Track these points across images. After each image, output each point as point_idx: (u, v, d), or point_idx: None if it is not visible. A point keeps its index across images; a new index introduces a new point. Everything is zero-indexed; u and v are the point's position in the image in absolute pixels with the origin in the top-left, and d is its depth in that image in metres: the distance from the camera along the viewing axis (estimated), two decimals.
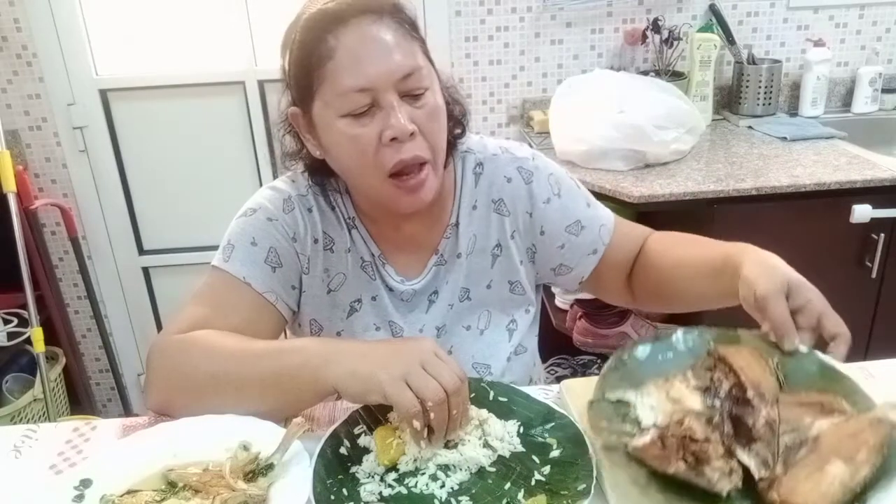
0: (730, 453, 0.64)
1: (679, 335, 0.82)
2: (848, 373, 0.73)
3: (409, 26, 0.87)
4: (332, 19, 0.83)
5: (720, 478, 0.62)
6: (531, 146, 1.14)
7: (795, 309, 0.77)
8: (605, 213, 1.05)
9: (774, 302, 0.76)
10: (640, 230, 1.06)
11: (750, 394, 0.68)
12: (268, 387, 0.79)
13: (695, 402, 0.70)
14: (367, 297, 0.99)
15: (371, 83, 0.82)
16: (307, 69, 0.84)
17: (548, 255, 1.03)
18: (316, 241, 0.97)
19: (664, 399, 0.71)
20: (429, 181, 0.88)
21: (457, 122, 0.97)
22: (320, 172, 0.96)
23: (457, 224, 0.99)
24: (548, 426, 0.78)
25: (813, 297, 0.78)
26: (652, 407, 0.71)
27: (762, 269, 0.81)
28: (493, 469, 0.74)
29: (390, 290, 1.00)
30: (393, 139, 0.83)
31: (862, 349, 1.85)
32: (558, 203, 1.00)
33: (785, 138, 2.01)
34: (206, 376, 0.82)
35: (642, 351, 0.80)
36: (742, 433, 0.66)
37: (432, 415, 0.71)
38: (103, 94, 2.18)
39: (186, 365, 0.83)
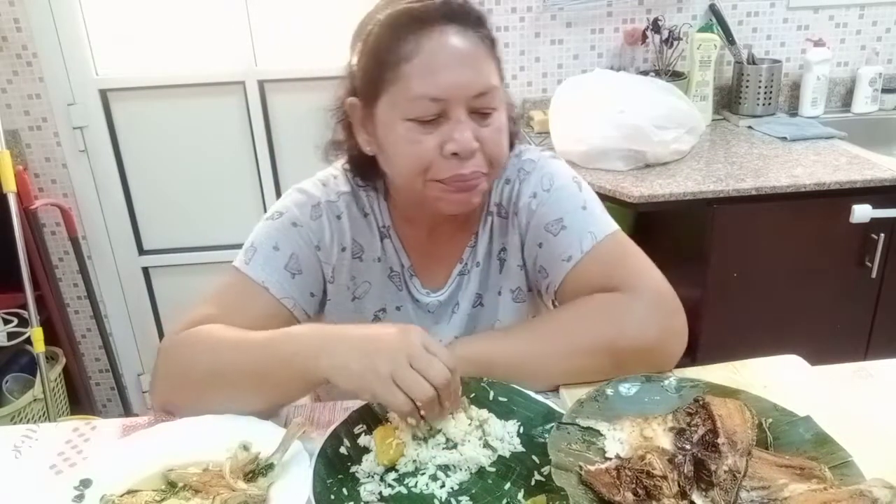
0: (684, 494, 0.64)
1: (673, 381, 0.81)
2: (846, 446, 0.69)
3: (490, 43, 0.86)
4: (416, 22, 0.81)
5: None
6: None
7: None
8: (601, 223, 0.93)
9: None
10: (631, 268, 0.90)
11: (720, 440, 0.67)
12: (260, 379, 0.78)
13: (665, 442, 0.70)
14: (392, 306, 0.99)
15: (444, 94, 0.81)
16: (380, 66, 0.83)
17: (531, 255, 0.97)
18: (343, 249, 0.95)
19: (637, 435, 0.71)
20: (479, 188, 0.87)
21: (510, 143, 0.96)
22: (362, 168, 0.94)
23: (477, 232, 0.99)
24: (548, 426, 0.78)
25: None
26: (621, 441, 0.70)
27: None
28: (493, 469, 0.74)
29: (416, 301, 1.00)
30: (454, 154, 0.82)
31: (862, 349, 1.86)
32: (544, 198, 0.94)
33: (785, 138, 2.01)
34: (203, 372, 0.81)
35: (628, 389, 0.79)
36: (702, 477, 0.65)
37: (423, 411, 0.71)
38: (103, 94, 2.18)
39: (187, 360, 0.82)
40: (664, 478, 0.64)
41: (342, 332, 0.77)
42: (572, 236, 0.91)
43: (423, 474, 0.73)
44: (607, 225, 0.93)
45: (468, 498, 0.71)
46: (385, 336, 0.73)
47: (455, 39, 0.81)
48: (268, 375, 0.78)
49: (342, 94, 0.91)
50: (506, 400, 0.83)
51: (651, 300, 0.87)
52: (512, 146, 0.97)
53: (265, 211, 2.06)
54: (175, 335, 0.85)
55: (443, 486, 0.72)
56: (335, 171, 0.98)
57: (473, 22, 0.84)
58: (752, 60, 2.19)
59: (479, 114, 0.84)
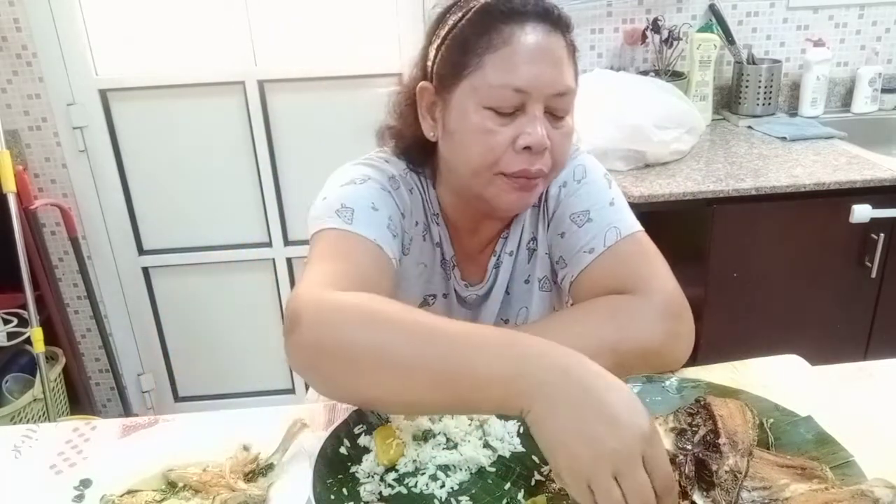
0: (685, 494, 0.64)
1: (674, 381, 0.81)
2: (847, 446, 0.69)
3: (573, 50, 0.87)
4: (513, 13, 0.83)
5: None
6: None
7: None
8: (626, 221, 0.93)
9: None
10: (643, 272, 0.89)
11: (721, 441, 0.67)
12: (441, 382, 0.62)
13: (666, 442, 0.69)
14: (441, 293, 0.99)
15: (527, 86, 0.81)
16: (467, 51, 0.83)
17: (552, 244, 0.98)
18: (417, 223, 0.94)
19: None
20: (538, 188, 0.88)
21: None
22: (415, 156, 0.94)
23: (510, 224, 1.00)
24: None
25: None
26: None
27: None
28: (493, 469, 0.74)
29: (456, 293, 1.01)
30: (525, 148, 0.82)
31: (862, 349, 1.86)
32: (574, 188, 0.95)
33: (784, 138, 2.01)
34: (365, 349, 0.64)
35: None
36: (704, 477, 0.65)
37: None
38: (103, 94, 2.17)
39: (345, 332, 0.66)
40: None
41: (560, 375, 0.58)
42: (597, 229, 0.92)
43: (423, 474, 0.73)
44: (632, 224, 0.93)
45: (468, 498, 0.71)
46: (611, 427, 0.54)
47: (545, 38, 0.83)
48: (450, 385, 0.61)
49: (409, 80, 0.92)
50: None
51: (659, 303, 0.86)
52: None
53: (265, 211, 2.07)
54: (325, 295, 0.70)
55: (443, 486, 0.72)
56: (385, 154, 0.97)
57: (563, 26, 0.86)
58: (752, 60, 2.19)
59: (554, 116, 0.85)
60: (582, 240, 0.93)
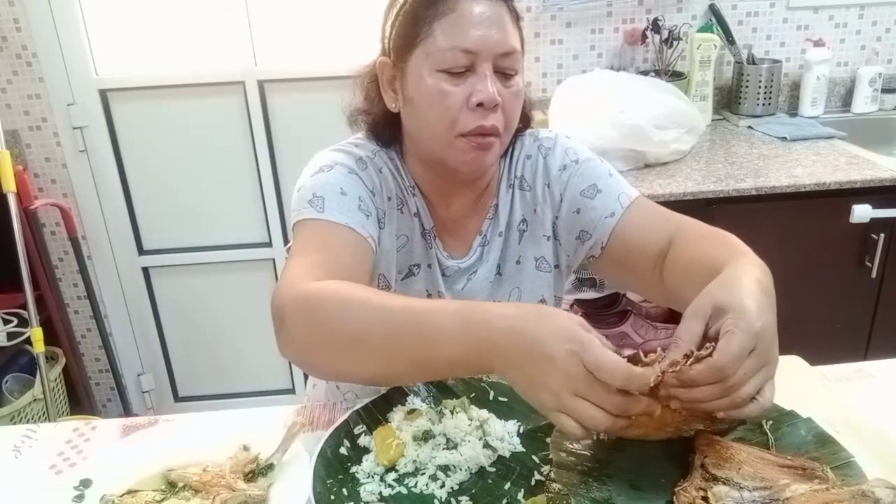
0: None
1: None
2: (847, 447, 0.70)
3: (516, 15, 0.93)
4: None
5: None
6: None
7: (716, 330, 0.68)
8: (628, 187, 1.01)
9: (685, 319, 0.69)
10: (672, 216, 0.97)
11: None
12: (415, 361, 0.69)
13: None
14: (425, 264, 1.02)
15: (476, 47, 0.87)
16: (418, 20, 0.89)
17: (567, 223, 1.03)
18: (389, 199, 0.98)
19: None
20: (494, 149, 0.92)
21: (523, 122, 1.01)
22: (384, 132, 0.99)
23: (497, 205, 1.03)
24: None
25: (742, 321, 0.68)
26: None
27: (715, 286, 0.73)
28: (493, 469, 0.74)
29: (439, 262, 1.03)
30: (479, 105, 0.87)
31: (862, 349, 1.86)
32: (574, 169, 1.02)
33: (785, 138, 2.01)
34: (350, 337, 0.70)
35: None
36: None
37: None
38: (103, 94, 2.18)
39: (326, 322, 0.72)
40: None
41: (504, 337, 0.64)
42: (609, 197, 1.00)
43: (423, 474, 0.73)
44: (632, 189, 1.02)
45: (468, 498, 0.71)
46: (548, 362, 0.61)
47: (488, 4, 0.89)
48: (424, 361, 0.69)
49: (371, 62, 0.98)
50: (506, 400, 0.84)
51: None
52: (527, 126, 1.04)
53: (265, 211, 2.08)
54: (303, 288, 0.75)
55: (443, 486, 0.72)
56: (357, 139, 1.02)
57: None
58: (752, 60, 2.19)
59: (503, 74, 0.90)
60: (599, 209, 1.00)
